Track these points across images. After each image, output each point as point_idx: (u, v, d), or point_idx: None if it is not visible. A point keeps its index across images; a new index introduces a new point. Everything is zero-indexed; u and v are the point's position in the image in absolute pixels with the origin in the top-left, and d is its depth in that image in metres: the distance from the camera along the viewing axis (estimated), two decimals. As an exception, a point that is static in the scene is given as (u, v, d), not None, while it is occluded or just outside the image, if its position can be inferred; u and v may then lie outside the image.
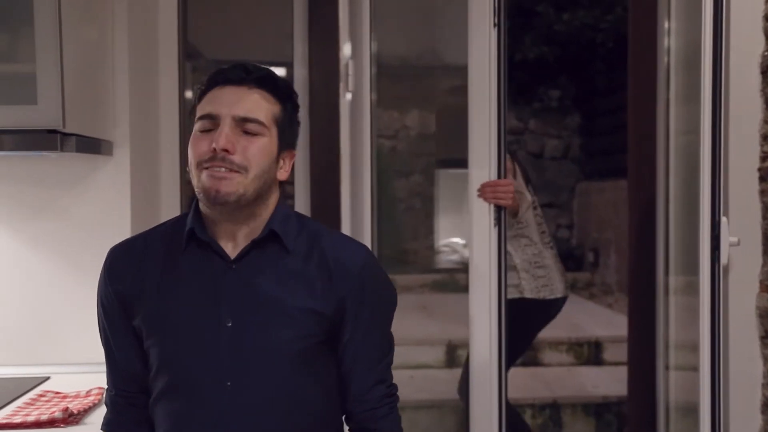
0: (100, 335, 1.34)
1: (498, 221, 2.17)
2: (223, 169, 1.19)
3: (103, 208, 2.00)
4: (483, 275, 2.20)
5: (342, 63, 2.69)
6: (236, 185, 1.20)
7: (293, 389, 1.26)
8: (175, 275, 1.26)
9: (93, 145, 1.85)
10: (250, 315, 1.24)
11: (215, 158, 1.19)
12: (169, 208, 2.35)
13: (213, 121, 1.21)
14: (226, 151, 1.19)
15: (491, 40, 2.12)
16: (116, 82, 2.01)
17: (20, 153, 1.77)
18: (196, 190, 1.23)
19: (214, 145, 1.19)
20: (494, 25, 2.12)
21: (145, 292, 1.27)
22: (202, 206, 1.27)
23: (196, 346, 1.24)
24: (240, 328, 1.24)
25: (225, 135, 1.19)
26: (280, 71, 3.49)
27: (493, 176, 2.18)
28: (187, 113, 2.53)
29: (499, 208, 2.23)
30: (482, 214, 2.19)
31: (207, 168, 1.20)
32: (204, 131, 1.22)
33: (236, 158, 1.20)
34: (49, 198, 1.99)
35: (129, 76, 2.03)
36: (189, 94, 2.94)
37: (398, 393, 1.38)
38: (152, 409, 1.30)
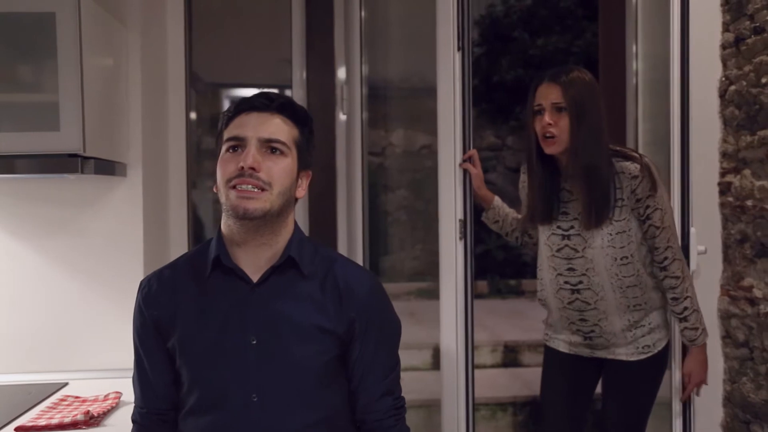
0: (134, 359, 1.38)
1: (464, 234, 2.21)
2: (250, 186, 1.24)
3: (119, 225, 2.04)
4: (450, 284, 2.25)
5: (338, 87, 2.74)
6: (263, 202, 1.25)
7: (313, 401, 1.30)
8: (204, 299, 1.31)
9: (109, 168, 1.89)
10: (272, 334, 1.29)
11: (243, 175, 1.24)
12: (178, 224, 2.38)
13: (240, 143, 1.26)
14: (253, 169, 1.24)
15: (455, 62, 2.19)
16: (130, 109, 2.05)
17: (44, 175, 1.81)
18: (224, 207, 1.27)
19: (241, 164, 1.24)
20: (458, 48, 2.19)
21: (178, 315, 1.31)
22: (225, 230, 1.31)
23: (225, 364, 1.28)
24: (263, 346, 1.28)
25: (252, 155, 1.24)
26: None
27: (459, 187, 2.19)
28: (192, 135, 2.58)
29: (464, 223, 2.19)
30: (449, 228, 2.23)
31: (235, 186, 1.24)
32: (232, 153, 1.27)
33: (262, 175, 1.25)
34: (69, 216, 2.02)
35: (141, 102, 2.07)
36: (193, 115, 2.98)
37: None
38: (183, 422, 1.34)
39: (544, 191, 2.00)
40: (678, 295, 1.98)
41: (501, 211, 2.26)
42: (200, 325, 1.30)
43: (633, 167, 1.92)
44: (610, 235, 1.94)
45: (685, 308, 1.99)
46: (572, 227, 1.99)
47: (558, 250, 2.02)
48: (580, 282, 1.99)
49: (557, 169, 2.01)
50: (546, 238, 2.05)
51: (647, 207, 1.94)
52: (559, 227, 2.01)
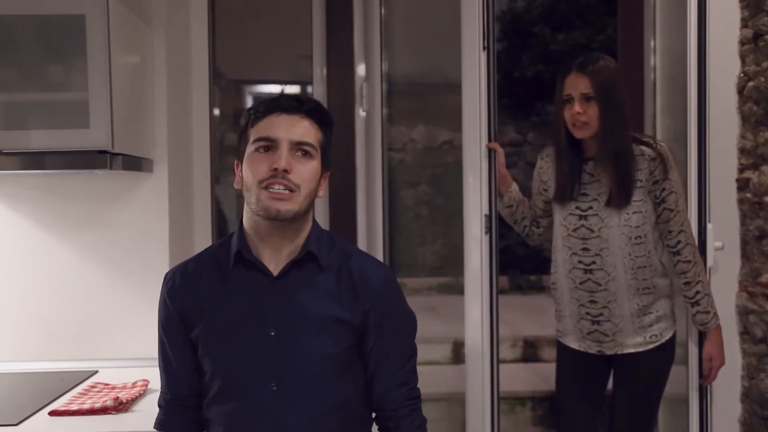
0: (159, 348, 1.44)
1: (489, 229, 2.24)
2: (282, 188, 1.29)
3: (145, 219, 2.11)
4: (475, 279, 2.29)
5: (357, 84, 2.79)
6: (293, 204, 1.30)
7: (329, 389, 1.35)
8: (226, 291, 1.37)
9: (136, 163, 1.96)
10: (290, 325, 1.34)
11: (275, 176, 1.29)
12: (202, 218, 2.45)
13: (272, 143, 1.31)
14: (286, 171, 1.29)
15: (481, 61, 2.22)
16: (156, 106, 2.12)
17: (73, 171, 1.88)
18: (253, 206, 1.32)
19: (275, 166, 1.29)
20: (483, 48, 2.21)
21: (202, 307, 1.37)
22: (248, 225, 1.36)
23: (245, 354, 1.34)
24: (282, 337, 1.34)
25: (285, 157, 1.29)
26: (295, 89, 3.59)
27: (485, 183, 2.24)
28: (216, 131, 2.64)
29: (489, 218, 2.23)
30: (474, 223, 2.26)
31: (267, 187, 1.29)
32: (263, 153, 1.31)
33: (293, 177, 1.30)
34: (98, 210, 2.10)
35: (167, 99, 2.13)
36: (217, 111, 3.04)
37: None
38: (207, 409, 1.40)
39: (571, 173, 2.09)
40: (690, 280, 2.04)
41: (517, 196, 2.32)
42: (222, 317, 1.35)
43: (650, 150, 2.03)
44: (627, 214, 2.02)
45: (697, 292, 2.05)
46: (590, 207, 2.07)
47: (574, 230, 2.09)
48: (593, 262, 2.06)
49: (580, 153, 2.11)
50: (563, 218, 2.13)
51: (663, 189, 2.03)
52: (577, 207, 2.09)
